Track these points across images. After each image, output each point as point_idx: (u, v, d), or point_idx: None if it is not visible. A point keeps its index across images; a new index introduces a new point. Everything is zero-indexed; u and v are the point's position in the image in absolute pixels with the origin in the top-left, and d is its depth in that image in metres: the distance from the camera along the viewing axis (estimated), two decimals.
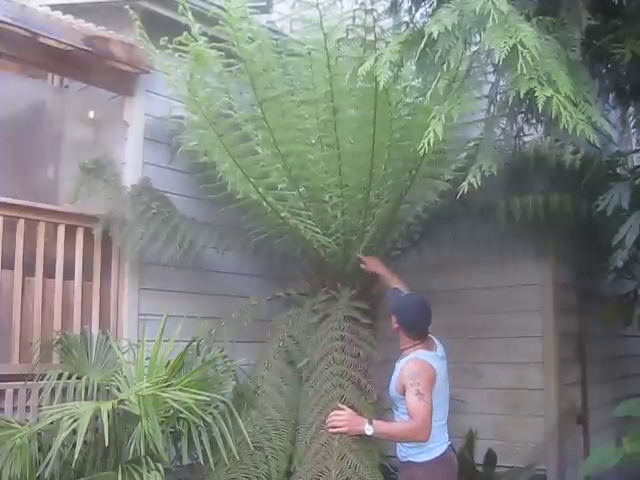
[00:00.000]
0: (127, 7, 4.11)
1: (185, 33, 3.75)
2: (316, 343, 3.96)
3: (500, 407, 5.15)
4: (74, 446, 3.08)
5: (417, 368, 3.35)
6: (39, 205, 4.29)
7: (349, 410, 3.46)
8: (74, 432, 3.06)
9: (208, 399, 3.46)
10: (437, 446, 3.34)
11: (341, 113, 3.89)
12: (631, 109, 4.63)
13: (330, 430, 3.42)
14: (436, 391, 3.33)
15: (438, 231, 4.89)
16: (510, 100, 2.98)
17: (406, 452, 3.39)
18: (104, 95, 4.90)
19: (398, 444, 3.45)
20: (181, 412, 3.35)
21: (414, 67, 3.30)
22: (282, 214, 4.16)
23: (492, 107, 3.78)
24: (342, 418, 3.42)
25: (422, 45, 2.95)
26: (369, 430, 3.31)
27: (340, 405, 3.49)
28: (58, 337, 4.11)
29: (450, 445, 3.44)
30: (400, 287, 3.92)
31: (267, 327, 4.42)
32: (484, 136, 3.80)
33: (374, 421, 3.36)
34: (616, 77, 3.93)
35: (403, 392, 3.32)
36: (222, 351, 4.07)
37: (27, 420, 3.78)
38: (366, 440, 3.43)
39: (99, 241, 4.48)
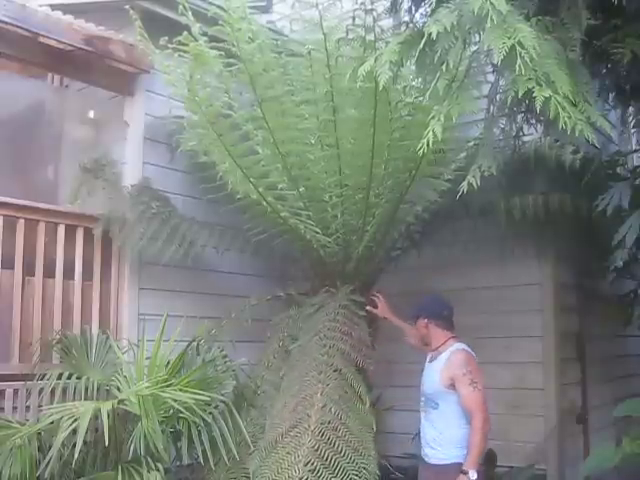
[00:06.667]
0: (127, 7, 4.11)
1: (185, 33, 3.75)
2: (309, 328, 4.01)
3: (500, 407, 5.13)
4: (74, 446, 3.09)
5: (465, 358, 3.40)
6: (39, 205, 4.29)
7: None
8: (74, 432, 3.07)
9: (208, 399, 3.47)
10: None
11: (341, 113, 3.89)
12: (631, 109, 4.64)
13: None
14: None
15: (438, 231, 4.88)
16: (509, 100, 2.98)
17: (451, 453, 3.35)
18: (104, 95, 4.90)
19: (430, 447, 3.44)
20: (181, 412, 3.36)
21: (414, 67, 3.30)
22: (282, 214, 4.16)
23: (491, 107, 3.78)
24: None
25: (422, 45, 2.95)
26: (474, 475, 3.21)
27: None
28: (58, 337, 4.12)
29: None
30: (406, 325, 4.01)
31: (267, 327, 4.42)
32: (484, 136, 3.80)
33: (465, 462, 3.24)
34: (616, 77, 3.93)
35: (450, 385, 3.35)
36: (222, 351, 4.08)
37: (27, 420, 3.79)
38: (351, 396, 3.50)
39: (99, 241, 4.48)
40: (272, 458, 3.27)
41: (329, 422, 3.31)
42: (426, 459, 3.50)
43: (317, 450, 3.21)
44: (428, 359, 3.63)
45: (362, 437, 3.38)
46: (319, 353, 3.72)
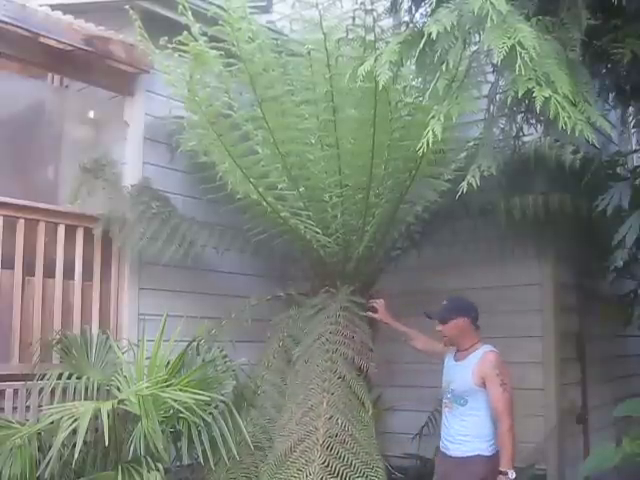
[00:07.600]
0: (127, 7, 4.11)
1: (185, 33, 3.75)
2: (310, 331, 4.00)
3: None
4: (74, 446, 3.09)
5: (497, 359, 3.52)
6: (39, 205, 4.29)
7: None
8: (74, 432, 3.06)
9: (208, 399, 3.47)
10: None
11: (341, 113, 3.89)
12: (631, 109, 4.63)
13: None
14: None
15: (438, 231, 4.88)
16: (509, 100, 2.98)
17: (474, 446, 3.45)
18: (104, 95, 4.91)
19: (450, 441, 3.54)
20: (181, 412, 3.36)
21: (414, 67, 3.30)
22: (282, 214, 4.16)
23: (491, 107, 3.78)
24: None
25: (421, 45, 2.95)
26: (513, 474, 3.31)
27: None
28: (58, 337, 4.12)
29: None
30: (411, 331, 4.06)
31: (267, 327, 4.42)
32: (484, 136, 3.80)
33: (501, 463, 3.34)
34: (616, 77, 3.94)
35: (482, 384, 3.45)
36: (222, 351, 4.08)
37: (27, 420, 3.78)
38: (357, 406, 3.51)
39: (99, 241, 4.48)
40: (283, 475, 3.25)
41: (337, 435, 3.32)
42: (446, 452, 3.59)
43: (328, 466, 3.20)
44: (453, 358, 3.68)
45: (369, 448, 3.39)
46: (322, 359, 3.71)
